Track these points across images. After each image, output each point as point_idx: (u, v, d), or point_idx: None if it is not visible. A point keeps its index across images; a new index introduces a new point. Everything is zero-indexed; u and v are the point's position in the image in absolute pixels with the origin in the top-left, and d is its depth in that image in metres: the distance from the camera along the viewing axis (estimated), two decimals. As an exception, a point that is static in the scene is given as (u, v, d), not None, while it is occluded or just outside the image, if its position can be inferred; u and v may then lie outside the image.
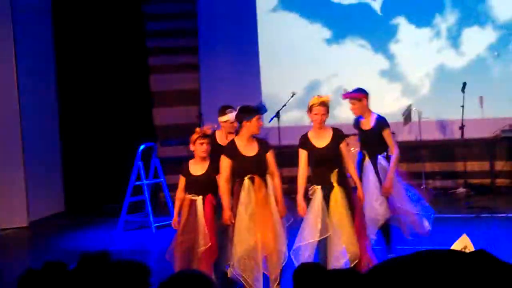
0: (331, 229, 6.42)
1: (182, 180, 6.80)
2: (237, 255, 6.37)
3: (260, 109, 6.66)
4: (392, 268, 1.94)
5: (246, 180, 6.44)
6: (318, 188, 6.53)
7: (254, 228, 6.37)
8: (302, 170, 6.66)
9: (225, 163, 6.53)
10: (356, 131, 7.95)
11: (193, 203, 6.63)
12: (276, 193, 6.50)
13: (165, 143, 12.25)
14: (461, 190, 11.39)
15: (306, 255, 6.41)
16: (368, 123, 7.47)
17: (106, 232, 10.31)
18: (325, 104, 6.58)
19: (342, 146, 6.60)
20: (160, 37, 13.00)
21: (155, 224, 10.18)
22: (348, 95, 7.49)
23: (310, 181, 6.64)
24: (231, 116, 7.14)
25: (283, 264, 6.43)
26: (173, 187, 11.21)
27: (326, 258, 6.44)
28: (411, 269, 1.92)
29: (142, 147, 10.46)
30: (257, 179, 6.45)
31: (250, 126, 6.50)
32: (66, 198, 12.24)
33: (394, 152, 7.34)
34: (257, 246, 6.37)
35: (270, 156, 6.56)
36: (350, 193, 6.60)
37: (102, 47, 12.40)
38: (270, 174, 6.53)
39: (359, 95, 7.43)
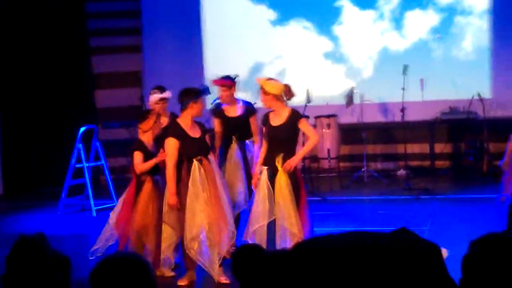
0: (277, 212, 6.43)
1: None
2: (191, 235, 6.35)
3: (204, 91, 6.63)
4: (316, 246, 1.92)
5: (195, 162, 6.41)
6: (265, 169, 6.54)
7: (207, 209, 6.36)
8: (263, 146, 6.69)
9: (172, 145, 6.46)
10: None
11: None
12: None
13: (106, 126, 12.09)
14: (402, 172, 11.52)
15: (261, 238, 6.39)
16: (235, 110, 7.40)
17: (45, 216, 10.14)
18: (260, 87, 6.60)
19: (301, 124, 6.56)
20: (101, 18, 12.79)
21: (96, 207, 10.06)
22: (219, 82, 7.44)
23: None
24: (151, 98, 7.19)
25: (228, 246, 6.41)
26: (114, 170, 11.13)
27: (274, 239, 6.46)
28: (334, 247, 1.91)
29: (82, 129, 10.31)
30: (204, 160, 6.44)
31: (195, 108, 6.47)
32: (4, 181, 12.00)
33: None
34: (212, 226, 6.38)
35: (208, 137, 6.64)
36: (296, 175, 6.60)
37: (42, 28, 12.15)
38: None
39: (228, 82, 7.38)
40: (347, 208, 9.58)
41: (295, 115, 6.56)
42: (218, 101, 7.52)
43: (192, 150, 6.46)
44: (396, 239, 1.89)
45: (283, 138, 6.54)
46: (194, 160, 6.43)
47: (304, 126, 6.58)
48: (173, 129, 6.56)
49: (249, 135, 7.38)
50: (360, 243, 1.87)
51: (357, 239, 1.89)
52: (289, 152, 6.52)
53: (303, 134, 6.96)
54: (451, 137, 11.95)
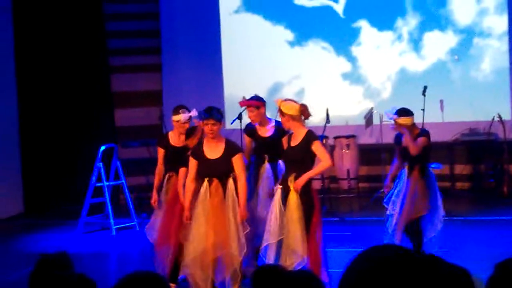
0: (285, 233, 6.44)
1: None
2: (190, 255, 6.40)
3: (199, 114, 6.73)
4: (349, 273, 1.93)
5: (205, 182, 6.46)
6: (279, 188, 6.55)
7: (208, 230, 6.38)
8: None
9: (191, 163, 6.58)
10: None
11: None
12: (239, 196, 6.48)
13: (126, 145, 12.16)
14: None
15: (271, 255, 6.42)
16: (266, 130, 7.41)
17: (66, 234, 10.19)
18: (279, 109, 6.60)
19: (314, 147, 6.53)
20: (122, 37, 12.91)
21: (115, 226, 10.09)
22: (245, 103, 7.46)
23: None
24: (183, 116, 7.20)
25: (238, 267, 6.43)
26: (134, 189, 11.18)
27: (278, 258, 6.48)
28: (366, 274, 1.91)
29: (102, 148, 10.37)
30: (215, 181, 6.45)
31: (205, 128, 6.57)
32: (25, 199, 12.07)
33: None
34: (209, 247, 6.39)
35: (236, 160, 6.50)
36: (311, 196, 6.57)
37: (63, 47, 12.26)
38: (236, 177, 6.51)
39: (255, 103, 7.39)
40: (366, 229, 9.55)
41: (310, 137, 6.55)
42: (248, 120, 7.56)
43: (203, 170, 6.50)
44: (426, 263, 1.89)
45: (298, 159, 6.53)
46: (204, 180, 6.47)
47: (316, 148, 6.52)
48: (194, 148, 6.63)
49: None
50: (390, 266, 1.87)
51: (385, 263, 1.89)
52: (303, 173, 6.51)
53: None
54: (471, 158, 11.91)
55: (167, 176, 7.26)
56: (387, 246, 1.96)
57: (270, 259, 6.37)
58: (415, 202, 7.33)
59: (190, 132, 6.98)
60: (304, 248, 6.39)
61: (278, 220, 6.45)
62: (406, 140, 7.32)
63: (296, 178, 6.45)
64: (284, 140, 7.06)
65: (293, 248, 6.40)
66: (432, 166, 7.55)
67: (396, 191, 7.39)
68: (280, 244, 6.48)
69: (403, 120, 7.33)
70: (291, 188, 6.46)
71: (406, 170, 7.35)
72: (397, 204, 7.31)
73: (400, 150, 7.46)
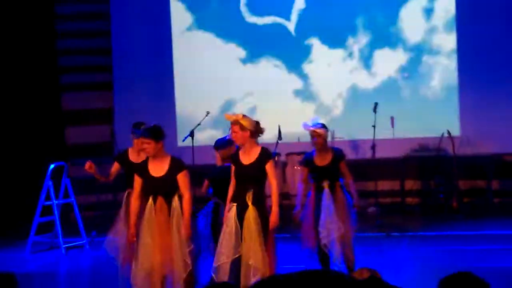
0: (243, 249, 6.40)
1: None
2: (138, 273, 6.35)
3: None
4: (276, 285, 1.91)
5: (150, 200, 6.40)
6: (234, 205, 6.51)
7: (154, 249, 6.33)
8: (232, 180, 6.65)
9: (136, 181, 6.54)
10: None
11: None
12: (183, 215, 6.42)
13: (76, 163, 11.99)
14: (373, 209, 11.55)
15: (224, 274, 6.37)
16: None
17: (14, 254, 9.99)
18: (236, 123, 6.56)
19: (268, 166, 6.53)
20: (73, 54, 12.79)
21: (65, 245, 9.94)
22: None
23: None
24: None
25: (181, 285, 6.38)
26: (84, 207, 11.03)
27: (239, 277, 6.42)
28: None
29: (52, 166, 10.23)
30: (159, 199, 6.39)
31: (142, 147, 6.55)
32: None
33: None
34: (157, 265, 6.34)
35: (181, 177, 6.44)
36: (265, 212, 6.57)
37: (11, 66, 12.08)
38: (180, 196, 6.46)
39: (323, 131, 7.46)
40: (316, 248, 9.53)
41: (265, 155, 6.56)
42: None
43: (147, 188, 6.46)
44: (367, 286, 1.88)
45: (254, 176, 6.51)
46: (149, 198, 6.42)
47: (269, 168, 6.55)
48: (139, 165, 6.60)
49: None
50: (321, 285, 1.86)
51: (319, 281, 1.88)
52: (259, 189, 6.51)
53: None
54: (421, 174, 12.04)
55: (126, 192, 7.21)
56: (324, 271, 1.94)
57: (222, 279, 6.31)
58: (348, 218, 7.40)
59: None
60: (265, 264, 6.36)
61: (233, 239, 6.40)
62: (322, 161, 7.39)
63: (254, 195, 6.42)
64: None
65: (255, 265, 6.35)
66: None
67: (324, 214, 7.34)
68: (235, 263, 6.42)
69: (324, 132, 7.41)
70: (249, 204, 6.42)
71: (326, 189, 7.36)
72: (328, 224, 7.30)
73: (314, 170, 7.46)
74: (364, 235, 10.02)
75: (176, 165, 6.48)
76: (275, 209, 6.45)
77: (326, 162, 7.41)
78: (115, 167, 7.40)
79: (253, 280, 6.32)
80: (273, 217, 6.44)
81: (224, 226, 6.52)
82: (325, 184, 7.36)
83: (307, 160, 7.55)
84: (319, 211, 7.34)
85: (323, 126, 7.50)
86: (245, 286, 6.18)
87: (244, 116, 6.63)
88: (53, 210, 10.11)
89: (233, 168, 6.65)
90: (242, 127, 6.51)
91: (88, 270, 9.26)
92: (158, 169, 6.45)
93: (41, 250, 10.16)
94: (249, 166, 6.51)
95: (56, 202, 10.16)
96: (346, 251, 7.35)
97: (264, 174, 6.51)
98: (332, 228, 7.27)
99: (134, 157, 7.27)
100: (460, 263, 7.88)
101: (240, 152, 6.62)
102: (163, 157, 6.47)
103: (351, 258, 7.37)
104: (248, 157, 6.54)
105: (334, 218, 7.27)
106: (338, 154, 7.50)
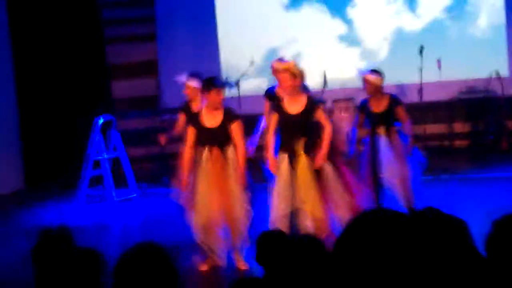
0: (299, 196, 6.39)
1: None
2: (198, 224, 6.40)
3: (215, 84, 6.63)
4: (348, 237, 1.92)
5: (205, 151, 6.44)
6: (285, 156, 6.48)
7: (213, 198, 6.38)
8: (271, 130, 6.60)
9: (189, 131, 6.59)
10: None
11: None
12: (237, 164, 6.46)
13: (123, 116, 12.12)
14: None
15: (282, 226, 6.38)
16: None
17: (67, 207, 10.19)
18: (285, 71, 6.49)
19: (318, 113, 6.50)
20: (116, 7, 12.79)
21: (117, 198, 10.10)
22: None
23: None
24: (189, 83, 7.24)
25: (245, 233, 6.43)
26: (133, 160, 11.16)
27: (296, 226, 6.45)
28: (366, 231, 1.90)
29: (101, 120, 10.34)
30: (215, 150, 6.44)
31: (209, 98, 6.48)
32: (26, 175, 12.06)
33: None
34: (217, 215, 6.40)
35: (234, 128, 6.49)
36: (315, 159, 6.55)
37: (56, 20, 12.15)
38: (234, 145, 6.49)
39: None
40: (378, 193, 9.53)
41: (313, 103, 6.53)
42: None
43: (202, 139, 6.48)
44: (424, 216, 1.89)
45: (303, 125, 6.48)
46: (205, 148, 6.45)
47: (319, 115, 6.52)
48: (192, 117, 6.64)
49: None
50: (388, 223, 1.86)
51: (384, 219, 1.88)
52: (309, 137, 6.48)
53: None
54: (470, 116, 11.86)
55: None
56: (382, 209, 1.95)
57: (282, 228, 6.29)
58: (404, 163, 7.38)
59: None
60: (321, 211, 6.37)
61: (287, 190, 6.39)
62: (377, 107, 7.33)
63: (306, 144, 6.40)
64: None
65: (314, 214, 6.35)
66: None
67: (384, 160, 7.33)
68: (291, 213, 6.43)
69: (374, 79, 7.34)
70: (301, 153, 6.40)
71: (383, 135, 7.32)
72: (390, 168, 7.29)
73: (369, 115, 7.42)
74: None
75: (229, 116, 6.51)
76: (323, 151, 6.43)
77: (381, 108, 7.36)
78: (181, 118, 7.49)
79: (310, 226, 6.33)
80: (319, 159, 6.42)
81: (277, 177, 6.51)
82: (381, 130, 7.31)
83: (362, 106, 7.52)
84: (377, 156, 7.31)
85: (375, 71, 7.42)
86: (305, 232, 6.20)
87: (295, 63, 6.58)
88: (102, 164, 10.25)
89: (274, 117, 6.61)
90: (294, 75, 6.45)
91: (139, 223, 9.41)
92: (212, 119, 6.49)
93: (93, 202, 10.34)
94: (297, 115, 6.48)
95: (106, 155, 10.29)
96: (406, 194, 7.34)
97: (312, 121, 6.49)
98: (393, 171, 7.26)
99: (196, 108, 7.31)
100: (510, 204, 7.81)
101: (285, 101, 6.57)
102: (217, 108, 6.52)
103: (411, 200, 7.37)
104: (295, 106, 6.49)
105: (394, 162, 7.25)
106: (394, 99, 7.45)
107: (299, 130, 6.46)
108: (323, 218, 6.39)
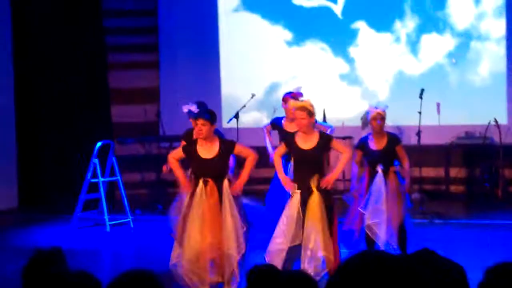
0: (305, 236, 6.36)
1: None
2: (186, 256, 6.35)
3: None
4: (343, 272, 1.93)
5: (200, 183, 6.42)
6: (297, 193, 6.47)
7: (204, 231, 6.35)
8: (279, 152, 6.68)
9: (179, 149, 6.72)
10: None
11: None
12: (244, 169, 6.47)
13: (122, 141, 12.14)
14: (416, 195, 11.48)
15: (278, 259, 6.37)
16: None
17: (60, 229, 10.17)
18: (303, 109, 6.51)
19: (333, 144, 6.57)
20: (120, 34, 12.88)
21: (110, 222, 10.08)
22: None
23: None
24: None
25: (236, 269, 6.39)
26: (129, 186, 11.17)
27: (293, 262, 6.44)
28: (360, 273, 1.91)
29: (99, 144, 10.36)
30: (210, 182, 6.41)
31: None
32: (19, 194, 12.04)
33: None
34: (206, 248, 6.35)
35: (238, 148, 6.54)
36: (331, 198, 6.56)
37: (60, 43, 12.21)
38: (245, 157, 6.50)
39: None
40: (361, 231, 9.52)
41: (326, 138, 6.60)
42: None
43: (198, 170, 6.48)
44: (420, 259, 1.90)
45: (317, 161, 6.51)
46: (200, 180, 6.44)
47: (336, 145, 6.62)
48: (186, 146, 6.65)
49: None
50: (383, 265, 1.87)
51: (379, 261, 1.89)
52: (321, 173, 6.51)
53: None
54: (466, 162, 11.91)
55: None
56: (376, 251, 1.96)
57: (277, 262, 6.24)
58: (400, 204, 7.38)
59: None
60: (329, 250, 6.34)
61: (294, 225, 6.38)
62: (378, 144, 7.37)
63: (319, 180, 6.41)
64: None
65: (318, 251, 6.32)
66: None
67: (373, 197, 7.33)
68: (291, 249, 6.40)
69: (384, 114, 7.43)
70: (314, 189, 6.40)
71: (380, 173, 7.34)
72: (383, 210, 7.28)
73: (368, 153, 7.45)
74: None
75: (227, 146, 6.53)
76: (338, 170, 6.58)
77: (381, 146, 7.40)
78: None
79: (314, 265, 6.30)
80: (333, 175, 6.50)
81: (286, 210, 6.50)
82: (379, 169, 7.34)
83: (362, 143, 7.56)
84: (369, 194, 7.32)
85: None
86: (306, 270, 6.16)
87: (311, 102, 6.62)
88: (98, 188, 10.25)
89: (283, 147, 6.66)
90: (310, 113, 6.50)
91: (132, 248, 9.37)
92: (208, 151, 6.48)
93: (87, 226, 10.32)
94: (310, 150, 6.50)
95: (102, 179, 10.29)
96: (399, 234, 7.33)
97: (324, 158, 6.59)
98: (377, 212, 7.25)
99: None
100: (504, 253, 7.80)
101: (297, 137, 6.58)
102: (213, 139, 6.52)
103: (403, 241, 7.35)
104: (307, 142, 6.50)
105: (383, 203, 7.25)
106: (393, 137, 7.49)
107: (312, 166, 6.47)
108: (332, 257, 6.35)
